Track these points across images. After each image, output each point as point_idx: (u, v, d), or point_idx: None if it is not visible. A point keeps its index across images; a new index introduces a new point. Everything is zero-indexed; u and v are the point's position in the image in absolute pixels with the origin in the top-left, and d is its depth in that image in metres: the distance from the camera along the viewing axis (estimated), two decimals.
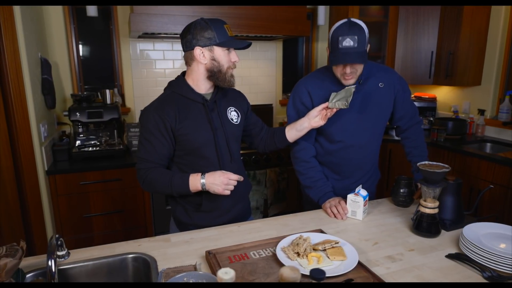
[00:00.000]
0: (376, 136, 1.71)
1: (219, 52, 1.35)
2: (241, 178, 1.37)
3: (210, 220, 1.48)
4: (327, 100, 1.51)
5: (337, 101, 1.44)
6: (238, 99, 1.59)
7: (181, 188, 1.36)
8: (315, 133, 1.69)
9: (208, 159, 1.43)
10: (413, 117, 1.75)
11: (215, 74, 1.38)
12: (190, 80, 1.42)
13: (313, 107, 1.59)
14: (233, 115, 1.51)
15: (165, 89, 1.47)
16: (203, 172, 1.35)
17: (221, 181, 1.32)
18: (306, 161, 1.69)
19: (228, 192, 1.34)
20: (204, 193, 1.43)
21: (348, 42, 1.40)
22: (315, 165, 1.70)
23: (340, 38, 1.41)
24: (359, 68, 1.51)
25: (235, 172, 1.48)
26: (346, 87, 1.45)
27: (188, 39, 1.34)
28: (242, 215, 1.58)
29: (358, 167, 1.72)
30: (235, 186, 1.38)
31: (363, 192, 1.51)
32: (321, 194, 1.64)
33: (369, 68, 1.63)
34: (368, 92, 1.61)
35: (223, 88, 1.49)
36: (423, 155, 1.73)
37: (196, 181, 1.34)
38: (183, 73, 1.47)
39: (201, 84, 1.42)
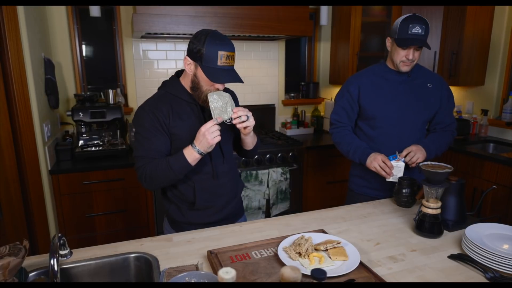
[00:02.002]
0: (415, 130, 1.80)
1: (201, 73, 1.30)
2: (216, 120, 1.29)
3: (204, 218, 1.49)
4: (371, 94, 1.76)
5: (219, 114, 1.32)
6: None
7: (181, 166, 1.32)
8: (354, 120, 1.88)
9: (201, 159, 1.40)
10: (447, 126, 1.87)
11: (194, 89, 1.36)
12: (183, 82, 1.42)
13: (358, 97, 1.80)
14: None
15: (158, 89, 1.47)
16: (191, 143, 1.31)
17: (206, 139, 1.27)
18: (339, 132, 1.87)
19: (218, 138, 1.28)
20: (197, 192, 1.44)
21: (417, 29, 1.60)
22: (348, 133, 1.86)
23: (410, 25, 1.60)
24: (418, 58, 1.69)
25: (227, 173, 1.50)
26: (221, 94, 1.33)
27: (189, 43, 1.33)
28: (234, 214, 1.59)
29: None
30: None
31: (401, 157, 1.65)
32: (360, 152, 1.75)
33: (422, 69, 1.82)
34: (415, 88, 1.77)
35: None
36: (439, 148, 1.79)
37: (191, 154, 1.31)
38: (177, 73, 1.46)
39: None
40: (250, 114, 1.35)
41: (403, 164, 1.63)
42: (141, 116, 1.38)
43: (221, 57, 1.27)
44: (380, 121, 1.78)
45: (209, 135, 1.27)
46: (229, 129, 1.50)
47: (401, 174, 1.64)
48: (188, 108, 1.40)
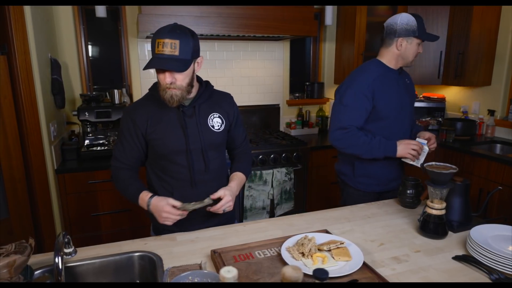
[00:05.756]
0: (409, 123, 1.88)
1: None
2: (184, 214, 1.29)
3: (185, 227, 1.42)
4: (384, 95, 1.73)
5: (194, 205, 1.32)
6: (225, 105, 1.47)
7: (132, 200, 1.38)
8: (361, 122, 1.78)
9: (179, 165, 1.38)
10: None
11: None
12: None
13: (372, 94, 1.71)
14: (215, 121, 1.42)
15: (149, 89, 1.45)
16: (153, 195, 1.33)
17: (159, 213, 1.28)
18: (354, 134, 1.72)
19: (168, 223, 1.29)
20: (176, 199, 1.33)
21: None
22: (362, 134, 1.73)
23: (424, 24, 1.75)
24: None
25: (208, 183, 1.41)
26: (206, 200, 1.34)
27: None
28: (225, 221, 1.52)
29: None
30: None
31: (423, 141, 1.72)
32: (384, 145, 1.70)
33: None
34: (405, 84, 1.85)
35: (208, 91, 1.42)
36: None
37: (143, 201, 1.33)
38: None
39: None
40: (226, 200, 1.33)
41: (427, 149, 1.70)
42: (122, 119, 1.42)
43: (158, 45, 1.23)
44: (392, 121, 1.77)
45: (165, 214, 1.27)
46: (218, 136, 1.42)
47: (423, 157, 1.71)
48: (170, 112, 1.37)
